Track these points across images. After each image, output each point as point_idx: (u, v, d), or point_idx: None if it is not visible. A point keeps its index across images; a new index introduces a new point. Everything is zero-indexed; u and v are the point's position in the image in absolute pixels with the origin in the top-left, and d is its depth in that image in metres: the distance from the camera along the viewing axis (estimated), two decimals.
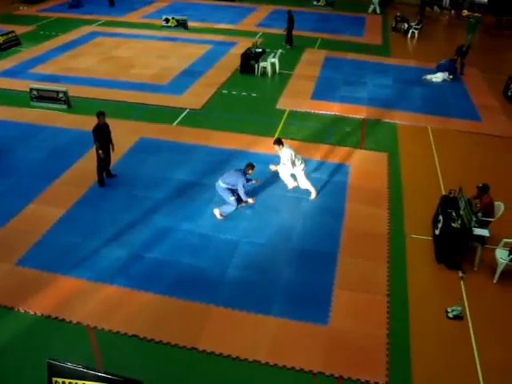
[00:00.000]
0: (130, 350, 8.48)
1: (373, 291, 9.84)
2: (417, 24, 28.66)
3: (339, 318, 9.17)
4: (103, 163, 12.79)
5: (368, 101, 18.93)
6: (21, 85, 18.98)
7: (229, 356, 8.38)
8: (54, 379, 6.98)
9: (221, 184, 11.87)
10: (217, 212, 11.86)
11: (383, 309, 9.44)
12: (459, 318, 9.32)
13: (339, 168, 14.10)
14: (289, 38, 25.54)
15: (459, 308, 9.39)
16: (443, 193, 12.71)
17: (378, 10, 34.32)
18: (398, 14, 30.01)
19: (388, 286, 9.99)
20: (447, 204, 11.24)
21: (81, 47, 24.35)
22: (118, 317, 9.03)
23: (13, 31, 24.43)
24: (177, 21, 28.24)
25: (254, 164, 11.99)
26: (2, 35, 23.57)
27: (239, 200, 11.99)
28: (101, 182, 12.89)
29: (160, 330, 8.81)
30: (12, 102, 17.85)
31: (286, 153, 12.16)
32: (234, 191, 11.90)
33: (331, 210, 12.25)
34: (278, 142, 12.27)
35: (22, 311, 9.09)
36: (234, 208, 11.93)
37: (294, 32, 25.59)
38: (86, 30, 27.46)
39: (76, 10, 31.73)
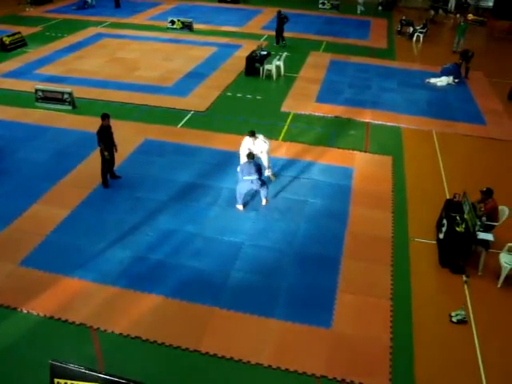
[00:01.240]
0: (132, 352, 8.47)
1: (376, 295, 9.82)
2: (422, 28, 28.65)
3: (342, 322, 9.15)
4: (107, 164, 12.81)
5: (372, 104, 18.92)
6: (26, 85, 19.05)
7: (231, 358, 8.36)
8: (56, 380, 6.98)
9: (247, 178, 11.87)
10: (264, 201, 12.36)
11: (387, 312, 9.41)
12: (463, 322, 9.28)
13: (343, 171, 14.08)
14: (278, 38, 26.11)
15: (463, 312, 9.35)
16: (447, 197, 12.68)
17: (359, 10, 35.29)
18: (404, 18, 30.02)
19: (391, 289, 9.97)
20: (451, 208, 11.22)
21: (86, 48, 24.43)
22: (120, 318, 9.03)
23: (19, 32, 24.54)
24: (182, 23, 28.31)
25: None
26: (8, 36, 23.69)
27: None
28: (105, 183, 12.90)
29: (163, 331, 8.81)
30: (17, 102, 17.90)
31: (261, 143, 12.77)
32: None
33: (335, 214, 12.24)
34: (253, 133, 12.82)
35: (25, 311, 9.10)
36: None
37: (300, 34, 25.65)
38: (91, 31, 27.55)
39: (82, 11, 31.85)
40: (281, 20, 25.63)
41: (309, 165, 14.29)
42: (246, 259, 10.62)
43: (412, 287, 10.11)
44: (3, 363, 8.19)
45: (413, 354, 8.61)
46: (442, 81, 21.45)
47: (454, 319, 9.30)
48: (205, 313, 9.22)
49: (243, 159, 12.53)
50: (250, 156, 11.92)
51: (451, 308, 9.54)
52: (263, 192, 12.28)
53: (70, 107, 17.53)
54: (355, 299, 9.69)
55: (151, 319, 9.05)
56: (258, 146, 12.80)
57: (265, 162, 13.08)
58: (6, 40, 23.45)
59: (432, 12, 34.66)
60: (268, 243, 11.13)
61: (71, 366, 6.88)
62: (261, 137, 12.93)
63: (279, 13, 25.89)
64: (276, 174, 13.60)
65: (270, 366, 8.26)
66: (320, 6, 35.54)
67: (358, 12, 35.18)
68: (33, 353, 8.39)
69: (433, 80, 21.58)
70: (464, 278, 10.33)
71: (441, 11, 36.00)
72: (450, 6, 36.29)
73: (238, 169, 12.51)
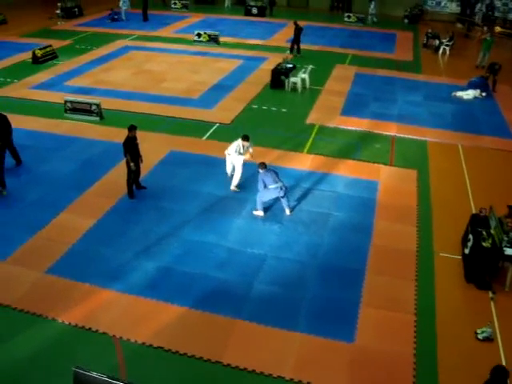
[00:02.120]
0: (155, 362, 8.52)
1: (400, 309, 9.72)
2: (448, 40, 28.47)
3: (365, 336, 9.07)
4: (133, 175, 12.96)
5: (398, 117, 18.83)
6: (56, 97, 19.44)
7: (253, 371, 8.35)
8: None
9: (275, 186, 12.06)
10: (288, 211, 12.53)
11: (410, 328, 9.31)
12: (489, 339, 9.12)
13: (368, 184, 14.02)
14: (294, 48, 26.68)
15: (489, 329, 9.19)
16: (473, 211, 12.52)
17: (370, 20, 35.93)
18: (430, 31, 29.88)
19: (416, 304, 9.85)
20: (477, 223, 11.06)
21: (114, 61, 24.85)
22: (144, 328, 9.09)
23: (50, 45, 25.13)
24: (208, 36, 28.62)
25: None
26: (40, 49, 24.28)
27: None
28: (130, 193, 13.05)
29: (185, 342, 8.84)
30: (47, 113, 18.26)
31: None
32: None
33: (359, 227, 12.18)
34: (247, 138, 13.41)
35: (50, 319, 9.23)
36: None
37: (325, 47, 25.79)
38: (119, 44, 28.02)
39: (111, 25, 32.43)
40: (298, 31, 26.24)
41: (333, 178, 14.27)
42: (269, 271, 10.62)
43: (437, 302, 9.98)
44: (28, 369, 8.30)
45: (437, 371, 8.49)
46: (469, 94, 21.25)
47: (480, 336, 9.15)
48: (227, 324, 9.23)
49: (228, 159, 13.43)
50: (264, 165, 12.16)
51: (477, 325, 9.39)
52: (286, 200, 12.31)
53: (97, 118, 17.82)
54: (379, 313, 9.60)
55: (174, 329, 9.10)
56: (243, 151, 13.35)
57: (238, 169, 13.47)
58: (38, 53, 24.02)
59: (459, 25, 34.46)
60: (291, 256, 11.12)
61: (94, 374, 6.94)
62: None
63: (296, 24, 26.48)
64: (300, 187, 13.60)
65: (292, 379, 8.22)
66: (345, 19, 35.59)
67: (370, 23, 35.61)
68: (57, 360, 8.49)
69: (459, 93, 21.40)
70: (490, 295, 10.17)
71: (467, 24, 35.74)
72: (477, 18, 35.99)
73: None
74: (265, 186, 12.17)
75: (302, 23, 33.81)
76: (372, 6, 35.77)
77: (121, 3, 33.03)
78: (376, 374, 8.39)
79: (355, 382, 8.22)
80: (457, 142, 17.05)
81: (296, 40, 26.55)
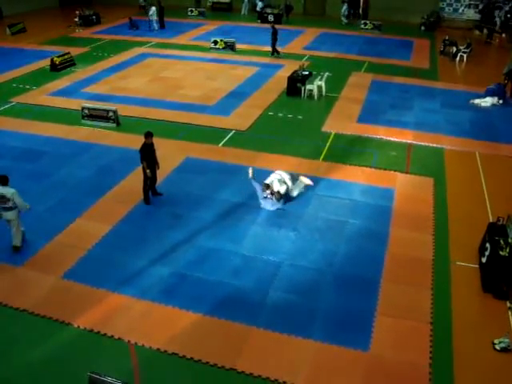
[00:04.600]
0: (169, 368, 8.53)
1: (416, 318, 9.63)
2: (466, 47, 28.28)
3: (380, 345, 9.00)
4: (149, 182, 13.03)
5: (415, 125, 18.72)
6: (73, 103, 19.67)
7: (267, 378, 8.32)
8: None
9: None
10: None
11: (426, 337, 9.22)
12: (507, 350, 8.99)
13: (384, 192, 13.95)
14: (274, 50, 27.77)
15: (507, 340, 9.05)
16: (490, 220, 12.39)
17: (343, 22, 37.46)
18: (447, 38, 29.72)
19: (432, 313, 9.76)
20: (495, 231, 10.95)
21: (131, 68, 25.08)
22: (159, 334, 9.12)
23: (68, 52, 25.43)
24: (225, 43, 28.75)
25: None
26: (58, 56, 24.60)
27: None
28: (146, 200, 13.12)
29: (200, 349, 8.84)
30: (65, 119, 18.47)
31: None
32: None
33: (375, 235, 12.11)
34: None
35: (66, 324, 9.30)
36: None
37: (341, 55, 25.98)
38: (136, 51, 28.27)
39: (128, 32, 32.74)
40: (274, 33, 27.27)
41: (349, 185, 14.22)
42: (284, 279, 10.60)
43: (453, 312, 9.88)
44: (43, 373, 8.37)
45: (453, 381, 8.39)
46: (487, 101, 21.07)
47: (498, 347, 9.03)
48: (242, 331, 9.22)
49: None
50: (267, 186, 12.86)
51: (494, 335, 9.27)
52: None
53: (114, 125, 17.97)
54: (394, 322, 9.53)
55: (189, 336, 9.11)
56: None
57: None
58: (57, 60, 24.34)
59: (477, 32, 34.21)
60: (307, 263, 11.09)
61: (109, 379, 6.97)
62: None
63: (273, 27, 27.53)
64: (316, 194, 13.58)
65: None
66: (362, 26, 35.52)
67: (343, 23, 37.24)
68: (72, 364, 8.54)
69: (477, 101, 21.22)
70: (508, 304, 10.04)
71: (485, 30, 35.45)
72: (497, 25, 35.65)
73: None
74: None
75: (317, 30, 34.12)
76: (344, 8, 37.16)
77: (150, 13, 33.22)
78: (391, 383, 8.32)
79: None
80: (474, 149, 16.90)
81: (273, 42, 27.54)
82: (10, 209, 10.74)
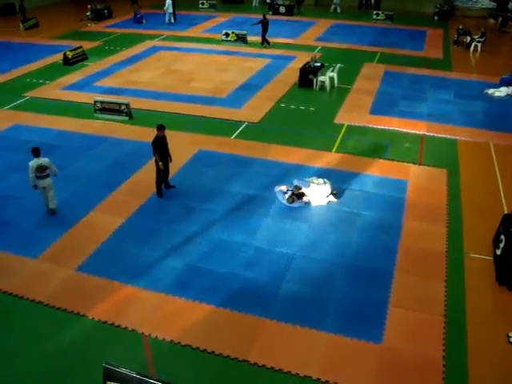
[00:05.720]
0: (182, 360, 8.59)
1: (429, 311, 9.60)
2: (480, 37, 27.97)
3: (393, 337, 8.98)
4: (162, 174, 13.07)
5: (428, 116, 18.58)
6: (86, 97, 19.76)
7: (280, 370, 8.35)
8: (108, 383, 7.14)
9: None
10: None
11: (439, 329, 9.18)
12: None
13: (397, 184, 13.88)
14: (264, 40, 27.99)
15: None
16: (505, 211, 12.28)
17: (338, 10, 37.64)
18: (461, 27, 29.40)
19: (445, 306, 9.72)
20: (510, 223, 10.84)
21: (143, 61, 25.12)
22: (172, 326, 9.18)
23: (80, 46, 25.55)
24: (236, 35, 28.72)
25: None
26: (70, 51, 24.73)
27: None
28: (159, 192, 13.17)
29: (213, 341, 8.88)
30: (77, 113, 18.57)
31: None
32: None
33: (388, 226, 12.06)
34: None
35: (81, 315, 9.38)
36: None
37: (354, 46, 25.89)
38: (148, 44, 28.31)
39: (139, 25, 32.76)
40: (264, 24, 27.37)
41: (362, 177, 14.16)
42: (296, 271, 10.60)
43: (467, 304, 9.82)
44: (59, 364, 8.46)
45: (467, 375, 8.35)
46: (501, 91, 20.84)
47: None
48: (255, 323, 9.25)
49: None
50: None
51: (509, 328, 9.22)
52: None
53: (126, 118, 18.03)
54: (407, 314, 9.50)
55: (202, 328, 9.15)
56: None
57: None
58: (69, 54, 24.47)
59: (491, 20, 33.79)
60: (319, 255, 11.08)
61: (123, 370, 7.01)
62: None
63: (264, 17, 27.81)
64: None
65: (318, 379, 8.20)
66: (374, 16, 35.26)
67: (331, 11, 37.60)
68: (86, 355, 8.63)
69: (491, 91, 21.00)
70: None
71: (500, 19, 35.00)
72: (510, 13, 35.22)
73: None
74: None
75: (329, 22, 33.98)
76: None
77: (166, 6, 33.18)
78: (404, 376, 8.30)
79: (382, 383, 8.15)
80: (488, 140, 16.74)
81: (263, 32, 27.59)
82: (47, 176, 12.01)
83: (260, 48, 27.62)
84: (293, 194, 12.73)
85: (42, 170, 11.86)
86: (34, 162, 11.77)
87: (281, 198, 12.87)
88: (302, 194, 12.77)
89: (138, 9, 34.51)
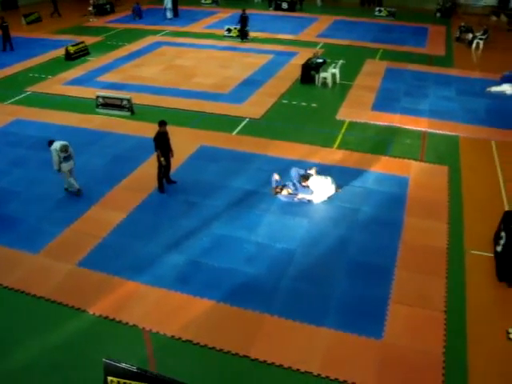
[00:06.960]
0: (183, 355, 8.61)
1: (430, 307, 9.61)
2: (482, 34, 27.90)
3: (394, 333, 9.00)
4: (164, 170, 13.08)
5: (429, 113, 18.56)
6: (88, 92, 19.76)
7: (281, 365, 8.37)
8: (109, 378, 7.18)
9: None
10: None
11: (440, 325, 9.20)
12: None
13: (398, 180, 13.88)
14: (243, 34, 28.32)
15: None
16: (506, 208, 12.29)
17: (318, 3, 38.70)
18: (463, 24, 29.34)
19: (446, 302, 9.74)
20: (510, 220, 10.86)
21: (145, 56, 25.11)
22: (172, 321, 9.20)
23: (83, 42, 25.55)
24: (238, 31, 28.62)
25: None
26: (73, 45, 24.75)
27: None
28: (161, 188, 13.18)
29: (214, 336, 8.91)
30: (79, 108, 18.57)
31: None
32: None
33: (389, 223, 12.07)
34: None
35: (82, 311, 9.41)
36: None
37: (356, 42, 25.98)
38: (150, 40, 28.28)
39: (141, 21, 32.74)
40: (244, 19, 27.57)
41: (363, 173, 14.16)
42: (298, 266, 10.62)
43: (467, 301, 9.84)
44: (60, 359, 8.49)
45: (467, 370, 8.38)
46: (503, 89, 20.80)
47: None
48: (255, 319, 9.27)
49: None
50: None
51: (509, 324, 9.24)
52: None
53: (128, 113, 18.03)
54: (408, 311, 9.52)
55: (202, 323, 9.18)
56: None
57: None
58: (71, 49, 24.47)
59: (494, 17, 33.69)
60: (320, 251, 11.09)
61: (124, 366, 7.05)
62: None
63: (243, 11, 28.10)
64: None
65: (319, 374, 8.23)
66: (376, 13, 35.22)
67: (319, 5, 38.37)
68: (87, 350, 8.66)
69: (493, 88, 20.97)
70: None
71: (503, 16, 34.92)
72: None
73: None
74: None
75: (331, 18, 33.97)
76: None
77: (165, 1, 33.12)
78: (404, 371, 8.33)
79: (383, 379, 8.17)
80: (490, 137, 16.73)
81: (242, 27, 28.04)
82: (71, 158, 12.74)
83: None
84: (301, 176, 12.86)
85: (66, 150, 12.42)
86: (57, 143, 12.38)
87: (295, 174, 12.99)
88: (308, 176, 12.87)
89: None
